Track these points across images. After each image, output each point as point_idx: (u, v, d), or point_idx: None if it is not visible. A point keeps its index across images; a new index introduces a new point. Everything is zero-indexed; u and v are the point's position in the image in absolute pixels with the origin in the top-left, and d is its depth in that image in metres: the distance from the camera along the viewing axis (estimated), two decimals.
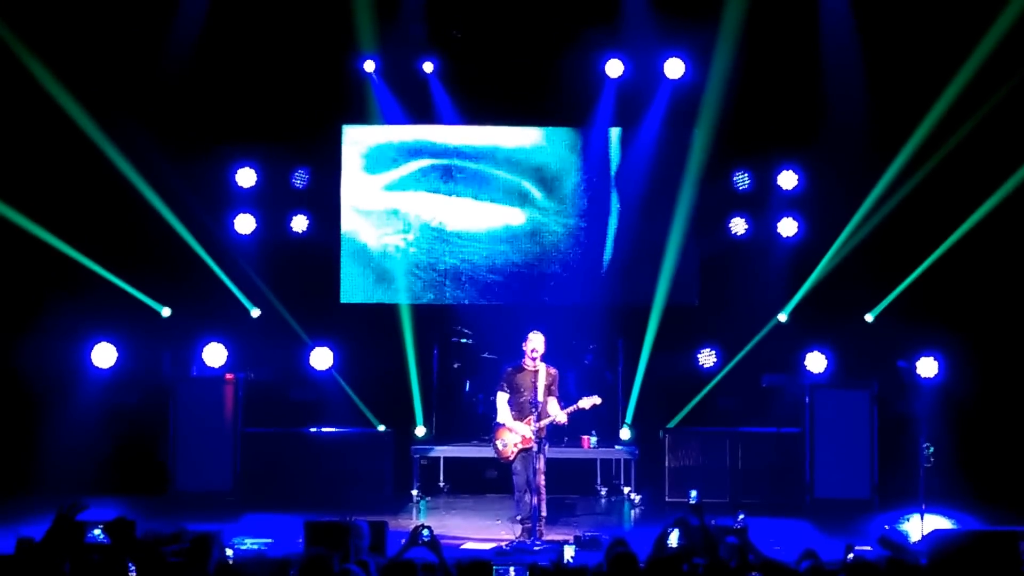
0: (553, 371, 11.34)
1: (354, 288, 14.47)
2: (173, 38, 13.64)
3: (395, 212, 14.49)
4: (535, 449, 11.10)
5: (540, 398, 11.11)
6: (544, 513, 11.21)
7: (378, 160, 14.51)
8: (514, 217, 14.47)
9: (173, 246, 13.75)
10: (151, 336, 13.72)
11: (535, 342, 11.29)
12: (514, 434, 11.23)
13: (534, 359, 11.27)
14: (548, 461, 11.41)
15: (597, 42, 13.94)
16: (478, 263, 14.49)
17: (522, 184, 14.46)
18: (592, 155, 14.48)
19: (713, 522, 9.58)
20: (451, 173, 14.50)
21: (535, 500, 11.07)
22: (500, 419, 11.34)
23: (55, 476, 12.97)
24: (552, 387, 11.28)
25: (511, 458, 11.29)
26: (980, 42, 12.65)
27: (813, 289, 13.77)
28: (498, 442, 11.32)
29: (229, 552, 8.41)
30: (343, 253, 14.45)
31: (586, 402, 11.18)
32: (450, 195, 14.48)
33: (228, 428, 13.09)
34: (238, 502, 12.80)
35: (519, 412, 11.24)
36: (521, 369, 11.33)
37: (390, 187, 14.50)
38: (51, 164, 13.60)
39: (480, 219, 14.47)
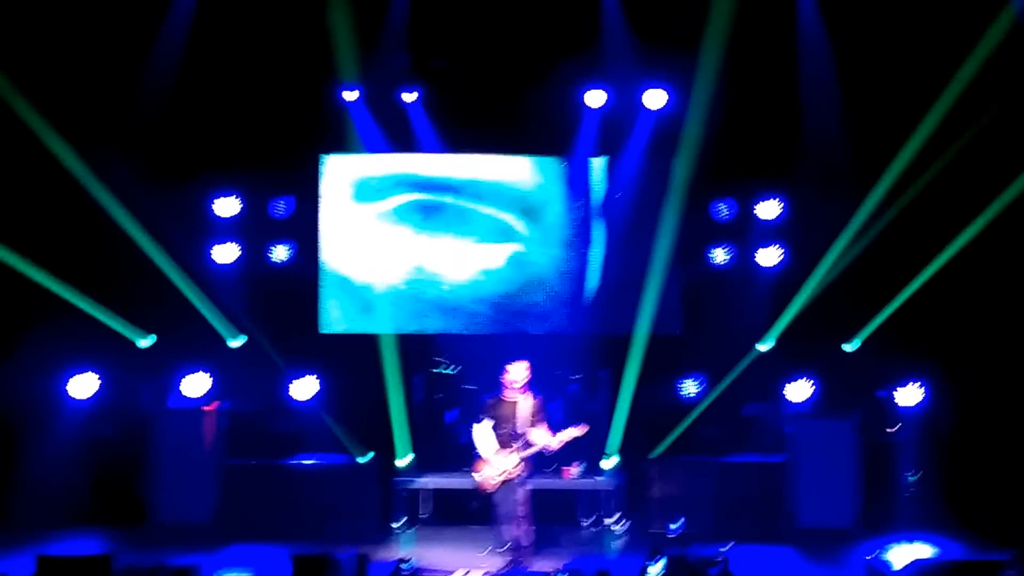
0: (537, 400, 11.30)
1: (336, 318, 14.43)
2: (153, 66, 13.62)
3: (378, 243, 14.45)
4: (516, 481, 11.05)
5: (521, 429, 11.07)
6: (526, 544, 11.15)
7: (361, 191, 14.49)
8: (498, 247, 14.47)
9: (153, 276, 13.66)
10: (130, 366, 13.60)
11: (514, 372, 11.27)
12: (493, 466, 11.17)
13: (513, 389, 11.24)
14: (532, 491, 11.35)
15: (579, 72, 14.03)
16: (462, 293, 14.47)
17: (505, 214, 14.47)
18: (575, 185, 14.52)
19: (695, 555, 9.61)
20: (435, 204, 14.48)
21: (517, 531, 11.01)
22: (480, 450, 11.28)
23: (32, 509, 12.84)
24: (536, 416, 11.24)
25: (491, 490, 11.23)
26: (960, 69, 12.75)
27: (795, 318, 13.82)
28: (476, 475, 11.26)
29: None
30: (325, 283, 14.41)
31: (571, 432, 11.14)
32: (434, 226, 14.46)
33: (209, 459, 12.94)
34: (219, 534, 12.63)
35: (501, 443, 11.19)
36: (502, 400, 11.29)
37: (373, 218, 14.47)
38: (29, 193, 13.51)
39: (464, 250, 14.46)
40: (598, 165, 14.47)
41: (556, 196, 14.49)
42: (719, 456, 13.48)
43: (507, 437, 11.12)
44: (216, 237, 14.31)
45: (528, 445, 11.11)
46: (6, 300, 13.41)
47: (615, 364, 13.87)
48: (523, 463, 11.10)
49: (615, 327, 14.30)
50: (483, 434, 11.27)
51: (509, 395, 11.27)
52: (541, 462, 12.06)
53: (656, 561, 9.19)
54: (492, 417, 11.28)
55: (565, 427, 11.21)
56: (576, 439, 11.28)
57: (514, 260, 14.43)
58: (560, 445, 11.16)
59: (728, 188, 14.31)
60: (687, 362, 14.11)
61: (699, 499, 13.10)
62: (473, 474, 11.29)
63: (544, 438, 11.11)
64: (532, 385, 11.40)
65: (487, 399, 11.47)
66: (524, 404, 11.21)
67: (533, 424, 11.18)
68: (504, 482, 11.12)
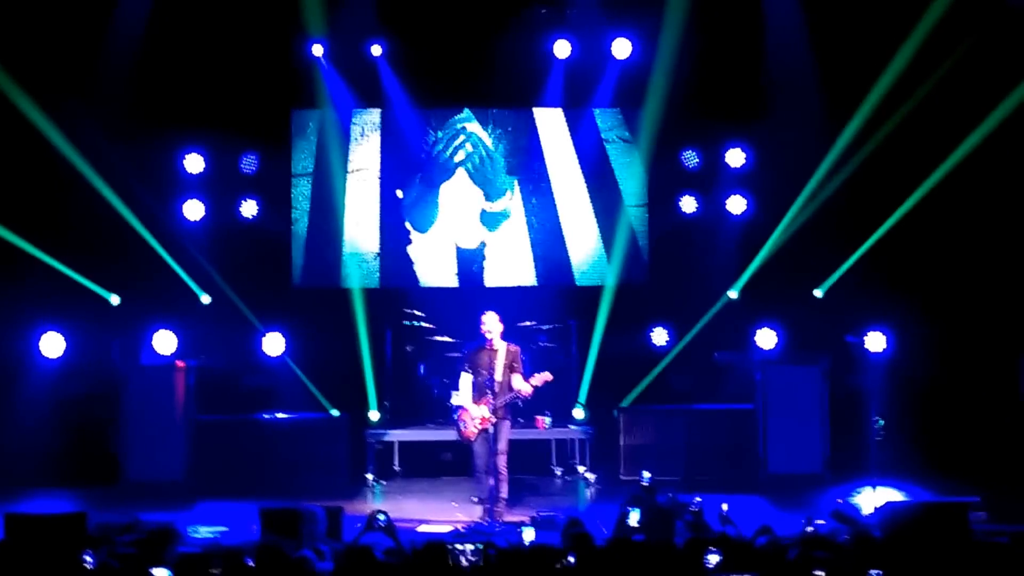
0: (514, 348, 11.36)
1: (306, 272, 14.39)
2: (118, 20, 13.49)
3: (346, 196, 14.40)
4: (492, 430, 11.09)
5: (498, 377, 11.13)
6: (504, 495, 11.20)
7: (330, 144, 14.38)
8: (468, 199, 14.45)
9: (121, 233, 13.59)
10: (100, 324, 13.55)
11: (488, 322, 11.31)
12: (473, 416, 11.21)
13: (489, 339, 11.28)
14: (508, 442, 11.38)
15: (545, 22, 13.97)
16: (431, 246, 14.45)
17: (475, 166, 14.42)
18: (544, 136, 14.46)
19: (672, 496, 9.70)
20: (406, 157, 14.42)
21: (492, 481, 11.07)
22: (460, 400, 11.32)
23: (3, 469, 12.84)
24: (514, 364, 11.28)
25: (472, 439, 11.27)
26: (924, 16, 12.74)
27: (763, 265, 13.86)
28: (460, 423, 11.29)
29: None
30: (295, 237, 14.37)
31: (537, 379, 11.19)
32: (404, 179, 14.43)
33: (180, 416, 12.95)
34: (191, 491, 12.66)
35: (478, 392, 11.24)
36: (481, 349, 11.33)
37: (342, 171, 14.40)
38: None
39: (434, 201, 14.43)
40: (566, 116, 14.42)
41: (524, 148, 14.44)
42: (689, 404, 13.56)
43: (484, 385, 11.17)
44: (186, 193, 14.23)
45: (504, 392, 11.15)
46: None
47: (585, 315, 13.91)
48: (501, 411, 11.15)
49: (584, 277, 14.38)
50: (464, 385, 11.31)
51: (488, 345, 11.32)
52: (513, 413, 12.10)
53: (634, 508, 9.29)
54: (472, 365, 11.33)
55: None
56: (548, 386, 11.34)
57: (485, 211, 14.42)
58: (533, 390, 11.21)
59: (696, 137, 14.27)
60: (656, 311, 14.15)
61: (669, 447, 13.20)
62: (457, 423, 11.29)
63: (519, 384, 11.18)
64: (508, 335, 11.43)
65: (470, 348, 11.52)
66: (501, 353, 11.26)
67: (510, 372, 11.23)
68: (483, 431, 11.16)
